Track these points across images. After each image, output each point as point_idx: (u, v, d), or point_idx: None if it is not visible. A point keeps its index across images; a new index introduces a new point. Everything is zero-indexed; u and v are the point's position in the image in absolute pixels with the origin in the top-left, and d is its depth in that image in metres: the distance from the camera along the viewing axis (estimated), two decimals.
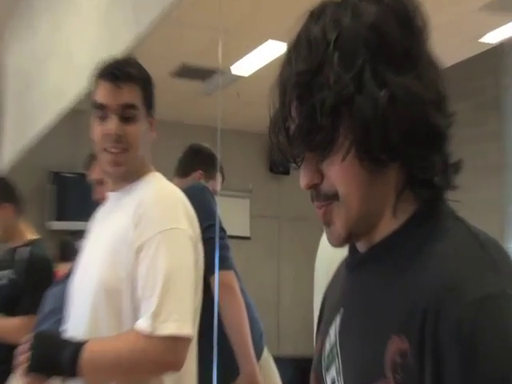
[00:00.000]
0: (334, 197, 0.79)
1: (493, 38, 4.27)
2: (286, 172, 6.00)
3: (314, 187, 0.80)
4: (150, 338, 1.39)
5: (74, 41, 5.18)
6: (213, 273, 2.21)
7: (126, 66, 1.58)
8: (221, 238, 2.28)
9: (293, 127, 0.78)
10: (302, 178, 0.80)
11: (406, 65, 0.76)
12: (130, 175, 1.59)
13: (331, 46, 0.76)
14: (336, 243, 0.82)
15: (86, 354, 1.40)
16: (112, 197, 1.65)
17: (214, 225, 2.28)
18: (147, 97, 1.59)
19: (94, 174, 2.41)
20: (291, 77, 0.78)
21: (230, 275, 2.28)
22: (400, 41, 0.76)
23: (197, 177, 2.61)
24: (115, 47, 4.35)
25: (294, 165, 0.82)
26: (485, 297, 0.67)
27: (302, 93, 0.77)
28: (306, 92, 0.76)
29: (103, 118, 1.55)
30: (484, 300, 0.66)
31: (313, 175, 0.80)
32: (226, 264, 2.27)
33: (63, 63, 5.36)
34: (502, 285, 0.68)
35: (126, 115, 1.55)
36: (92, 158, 2.36)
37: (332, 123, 0.75)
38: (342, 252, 0.90)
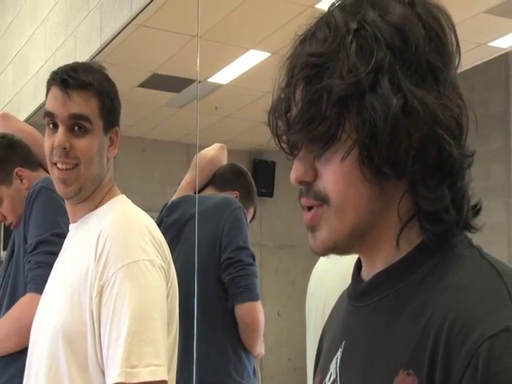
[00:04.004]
0: (324, 199, 0.79)
1: (503, 42, 4.29)
2: (269, 194, 6.01)
3: (305, 184, 0.80)
4: None
5: (29, 51, 5.17)
6: (238, 302, 2.41)
7: (82, 71, 1.55)
8: (251, 265, 2.46)
9: (295, 111, 0.79)
10: (294, 170, 0.81)
11: (427, 82, 0.77)
12: (89, 201, 1.57)
13: (351, 34, 0.76)
14: (318, 251, 0.82)
15: None
16: (72, 228, 1.63)
17: (247, 248, 2.49)
18: (107, 109, 1.56)
19: None
20: (302, 56, 0.78)
21: (256, 308, 2.45)
22: (424, 53, 0.77)
23: (232, 196, 2.71)
24: (78, 57, 4.36)
25: (288, 156, 0.82)
26: (502, 331, 0.67)
27: (311, 75, 0.77)
28: (316, 75, 0.77)
29: (53, 129, 1.54)
30: (501, 334, 0.67)
31: (306, 170, 0.80)
32: (253, 294, 2.44)
33: (17, 73, 5.35)
34: None
35: (76, 127, 1.52)
36: None
37: (337, 115, 0.76)
38: (340, 284, 0.89)
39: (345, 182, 0.77)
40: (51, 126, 1.55)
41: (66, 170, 1.53)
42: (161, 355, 1.41)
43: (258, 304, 2.47)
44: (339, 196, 0.78)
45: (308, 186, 0.80)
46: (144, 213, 1.58)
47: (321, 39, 0.78)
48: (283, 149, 0.82)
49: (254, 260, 2.50)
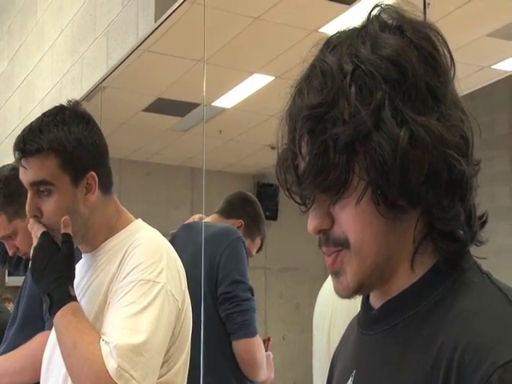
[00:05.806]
0: (344, 244, 0.79)
1: (506, 65, 4.30)
2: (273, 217, 6.00)
3: (323, 232, 0.80)
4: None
5: (36, 77, 5.21)
6: (235, 339, 2.37)
7: (33, 137, 1.55)
8: (247, 300, 2.40)
9: (303, 165, 0.79)
10: (311, 221, 0.81)
11: (428, 104, 0.77)
12: (93, 240, 1.59)
13: (348, 78, 0.76)
14: (344, 294, 0.82)
15: None
16: (87, 258, 1.63)
17: (244, 282, 2.42)
18: (69, 163, 1.54)
19: None
20: (302, 109, 0.78)
21: (254, 344, 2.40)
22: (422, 78, 0.77)
23: (236, 225, 2.65)
24: (84, 83, 4.39)
25: (302, 207, 0.82)
26: None
27: (315, 127, 0.77)
28: (319, 126, 0.76)
29: None
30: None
31: (322, 219, 0.80)
32: (249, 331, 2.38)
33: (24, 100, 5.38)
34: None
35: (40, 190, 1.55)
36: None
37: (346, 162, 0.76)
38: (346, 306, 0.89)
39: (361, 222, 0.78)
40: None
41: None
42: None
43: (255, 340, 2.43)
44: (357, 237, 0.78)
45: (326, 233, 0.81)
46: (163, 238, 1.60)
47: (318, 88, 0.78)
48: (295, 200, 0.82)
49: (251, 293, 2.45)
